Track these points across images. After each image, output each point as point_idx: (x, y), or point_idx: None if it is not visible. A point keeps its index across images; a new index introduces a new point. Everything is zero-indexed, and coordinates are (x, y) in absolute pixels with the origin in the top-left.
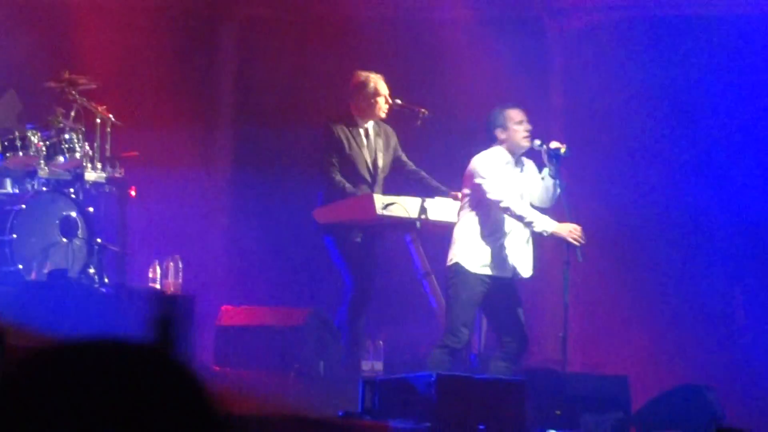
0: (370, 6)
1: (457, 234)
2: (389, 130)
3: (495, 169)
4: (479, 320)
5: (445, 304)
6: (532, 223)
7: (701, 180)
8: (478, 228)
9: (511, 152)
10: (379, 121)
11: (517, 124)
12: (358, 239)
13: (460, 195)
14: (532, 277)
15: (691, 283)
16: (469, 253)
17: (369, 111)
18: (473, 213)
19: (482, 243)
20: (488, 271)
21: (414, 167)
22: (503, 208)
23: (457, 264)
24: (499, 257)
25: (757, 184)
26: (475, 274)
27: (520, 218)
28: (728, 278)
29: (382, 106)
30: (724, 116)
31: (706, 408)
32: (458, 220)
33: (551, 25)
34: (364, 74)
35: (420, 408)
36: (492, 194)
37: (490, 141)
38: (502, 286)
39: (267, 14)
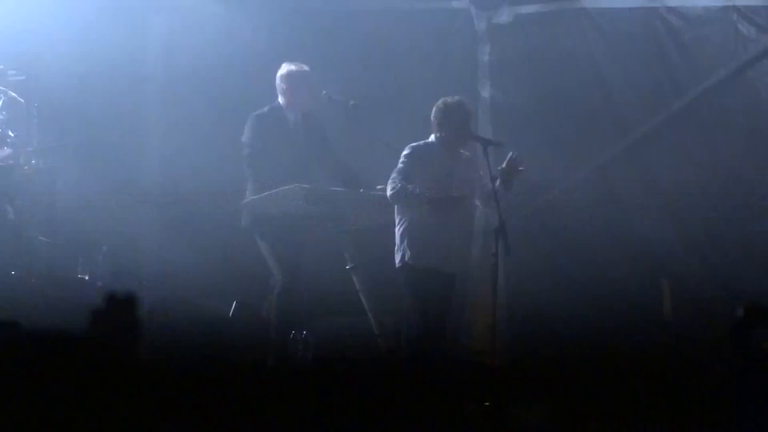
0: None
1: (399, 229)
2: (319, 119)
3: (412, 159)
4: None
5: (407, 301)
6: (420, 195)
7: (631, 172)
8: (416, 221)
9: (446, 146)
10: (308, 111)
11: (453, 121)
12: (285, 234)
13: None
14: (462, 269)
15: (619, 275)
16: (413, 248)
17: (295, 103)
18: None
19: (424, 236)
20: (433, 265)
21: (340, 161)
22: (391, 197)
23: (404, 263)
24: (440, 250)
25: (682, 173)
26: (424, 269)
27: (412, 197)
28: (655, 270)
29: (309, 98)
30: (654, 107)
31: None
32: (398, 213)
33: (480, 17)
34: (291, 65)
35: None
36: (389, 184)
37: (431, 131)
38: (443, 280)
39: (196, 6)
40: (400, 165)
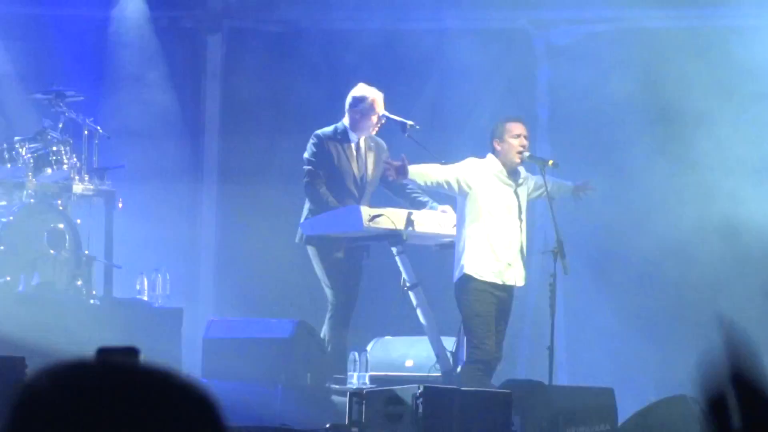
0: (356, 17)
1: (460, 244)
2: (381, 143)
3: (468, 165)
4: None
5: (462, 318)
6: None
7: (689, 192)
8: (476, 235)
9: (504, 164)
10: (371, 135)
11: (513, 138)
12: (341, 255)
13: (448, 208)
14: (519, 288)
15: (678, 294)
16: (474, 261)
17: (361, 126)
18: (468, 219)
19: (483, 250)
20: (493, 279)
21: (401, 181)
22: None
23: (464, 275)
24: (498, 264)
25: (745, 194)
26: (483, 282)
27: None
28: (714, 289)
29: (375, 124)
30: (713, 128)
31: (693, 420)
32: (458, 228)
33: (538, 38)
34: (364, 88)
35: (406, 420)
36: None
37: (489, 149)
38: (501, 295)
39: (253, 26)
40: (452, 167)
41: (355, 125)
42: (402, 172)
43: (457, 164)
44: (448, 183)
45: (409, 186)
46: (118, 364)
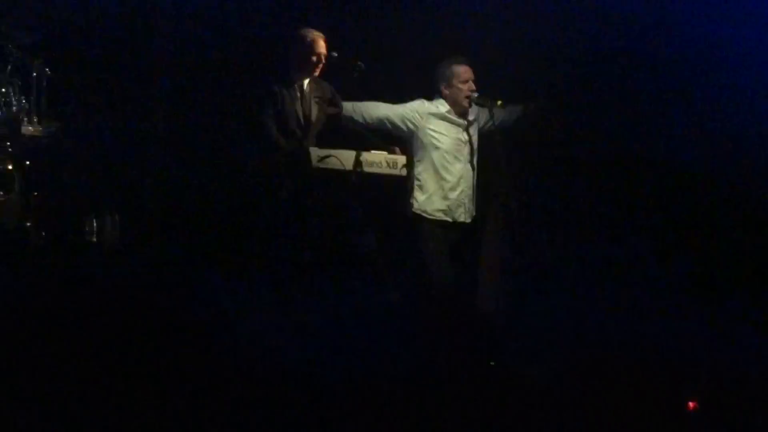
0: None
1: (408, 182)
2: (326, 85)
3: (417, 109)
4: None
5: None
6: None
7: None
8: (424, 174)
9: (452, 106)
10: (316, 78)
11: (461, 83)
12: (293, 195)
13: (398, 149)
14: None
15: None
16: (422, 200)
17: (303, 67)
18: (416, 158)
19: (432, 189)
20: (443, 217)
21: (352, 124)
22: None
23: (413, 214)
24: (446, 202)
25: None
26: (433, 221)
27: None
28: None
29: (317, 65)
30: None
31: None
32: (407, 168)
33: None
34: (304, 30)
35: None
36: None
37: (435, 93)
38: (452, 236)
39: None
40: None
41: (296, 67)
42: (333, 103)
43: (403, 104)
44: (391, 120)
45: (350, 127)
46: None
